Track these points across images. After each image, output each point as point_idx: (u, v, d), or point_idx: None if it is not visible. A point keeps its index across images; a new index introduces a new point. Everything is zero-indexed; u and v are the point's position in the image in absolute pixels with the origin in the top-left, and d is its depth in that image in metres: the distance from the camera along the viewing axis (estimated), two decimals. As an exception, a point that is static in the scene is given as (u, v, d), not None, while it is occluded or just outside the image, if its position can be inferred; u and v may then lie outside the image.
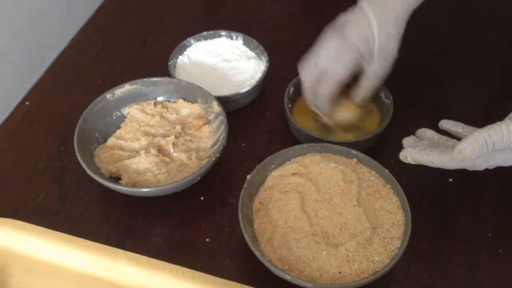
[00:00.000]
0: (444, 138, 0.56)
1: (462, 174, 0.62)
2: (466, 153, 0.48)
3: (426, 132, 0.58)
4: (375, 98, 0.66)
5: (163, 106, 0.66)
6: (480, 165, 0.51)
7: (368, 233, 0.51)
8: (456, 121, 0.57)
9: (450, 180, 0.62)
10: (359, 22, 0.58)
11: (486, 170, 0.58)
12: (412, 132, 0.60)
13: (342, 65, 0.58)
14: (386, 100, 0.65)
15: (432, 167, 0.62)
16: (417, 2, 0.58)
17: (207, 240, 0.57)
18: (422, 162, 0.53)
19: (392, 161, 0.62)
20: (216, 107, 0.63)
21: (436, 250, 0.56)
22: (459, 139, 0.52)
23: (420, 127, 0.60)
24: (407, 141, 0.58)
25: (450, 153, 0.50)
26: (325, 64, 0.59)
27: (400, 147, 0.61)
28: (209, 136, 0.63)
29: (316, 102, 0.62)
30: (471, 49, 0.78)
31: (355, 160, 0.58)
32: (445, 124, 0.58)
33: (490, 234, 0.57)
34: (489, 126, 0.49)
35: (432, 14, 0.83)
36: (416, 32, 0.80)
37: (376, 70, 0.60)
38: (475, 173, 0.62)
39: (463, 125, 0.56)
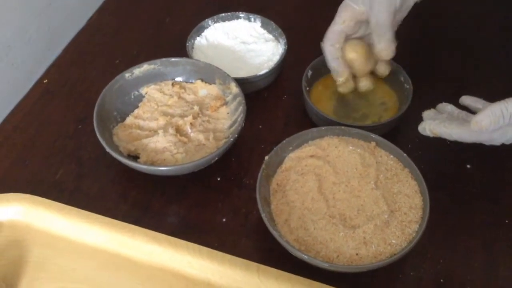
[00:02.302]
0: (464, 113, 0.56)
1: (480, 161, 0.62)
2: (482, 124, 0.49)
3: (447, 107, 0.58)
4: (394, 82, 0.66)
5: (181, 87, 0.66)
6: (497, 139, 0.52)
7: (385, 216, 0.51)
8: (476, 97, 0.57)
9: (468, 166, 0.62)
10: None
11: (504, 156, 0.58)
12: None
13: (337, 16, 0.61)
14: (405, 85, 0.65)
15: (449, 153, 0.62)
16: None
17: (224, 220, 0.58)
18: (440, 135, 0.54)
19: (409, 146, 0.62)
20: (234, 88, 0.63)
21: (453, 235, 0.56)
22: None
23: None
24: (427, 113, 0.58)
25: (468, 126, 0.51)
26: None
27: (418, 132, 0.61)
28: (227, 117, 0.64)
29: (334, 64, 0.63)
30: (491, 32, 0.77)
31: (373, 143, 0.58)
32: (465, 99, 0.58)
33: (507, 221, 0.57)
34: (506, 99, 0.49)
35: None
36: (434, 17, 0.80)
37: (376, 16, 0.59)
38: (493, 160, 0.62)
39: (483, 101, 0.56)
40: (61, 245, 0.55)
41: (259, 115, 0.67)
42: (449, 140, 0.64)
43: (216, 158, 0.59)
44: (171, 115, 0.63)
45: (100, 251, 0.54)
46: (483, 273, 0.53)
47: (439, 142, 0.64)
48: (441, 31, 0.79)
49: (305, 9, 0.82)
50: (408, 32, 0.63)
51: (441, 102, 0.67)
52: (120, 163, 0.59)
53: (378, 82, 0.66)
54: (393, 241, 0.50)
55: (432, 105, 0.66)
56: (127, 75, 0.64)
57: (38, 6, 0.72)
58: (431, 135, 0.55)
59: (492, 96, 0.56)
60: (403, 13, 0.62)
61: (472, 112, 0.56)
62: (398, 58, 0.65)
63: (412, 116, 0.64)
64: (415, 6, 0.62)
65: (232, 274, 0.51)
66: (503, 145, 0.57)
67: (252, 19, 0.74)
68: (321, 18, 0.80)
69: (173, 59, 0.66)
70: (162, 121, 0.62)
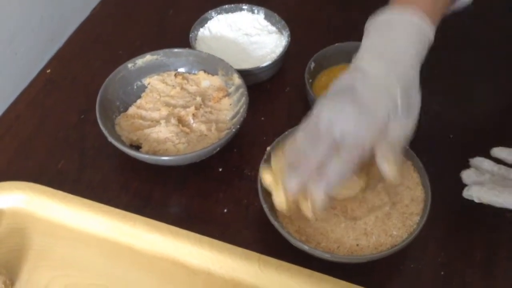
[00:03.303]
0: (503, 169, 0.54)
1: (483, 156, 0.62)
2: None
3: (483, 163, 0.55)
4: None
5: (184, 78, 0.66)
6: None
7: (387, 208, 0.52)
8: (509, 148, 0.55)
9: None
10: (373, 88, 0.45)
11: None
12: (436, 104, 0.58)
13: (364, 133, 0.44)
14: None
15: (452, 146, 0.62)
16: (424, 55, 0.49)
17: (225, 210, 0.58)
18: (490, 203, 0.52)
19: (412, 138, 0.62)
20: (236, 79, 0.63)
21: (454, 228, 0.56)
22: None
23: (442, 100, 0.58)
24: (468, 175, 0.55)
25: None
26: (345, 133, 0.44)
27: (421, 124, 0.61)
28: (229, 108, 0.64)
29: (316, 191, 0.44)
30: (491, 31, 0.77)
31: (375, 136, 0.58)
32: (499, 152, 0.56)
33: (508, 215, 0.57)
34: None
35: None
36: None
37: (405, 127, 0.47)
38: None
39: None
40: (62, 233, 0.55)
41: (262, 107, 0.67)
42: (451, 134, 0.64)
43: (218, 149, 0.59)
44: (173, 105, 0.63)
45: (102, 239, 0.54)
46: (483, 266, 0.53)
47: (442, 136, 0.64)
48: (441, 30, 0.78)
49: (309, 1, 0.82)
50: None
51: (443, 96, 0.67)
52: (122, 153, 0.59)
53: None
54: (394, 233, 0.51)
55: (434, 97, 0.66)
56: (129, 65, 0.64)
57: (42, -4, 0.73)
58: (477, 201, 0.53)
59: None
60: None
61: (508, 165, 0.55)
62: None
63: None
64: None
65: (232, 263, 0.51)
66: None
67: (256, 11, 0.74)
68: (325, 10, 0.80)
69: (176, 50, 0.66)
70: (164, 111, 0.62)
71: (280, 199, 0.48)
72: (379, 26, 0.48)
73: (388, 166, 0.44)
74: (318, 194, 0.44)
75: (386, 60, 0.46)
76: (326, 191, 0.44)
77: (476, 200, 0.53)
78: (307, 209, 0.46)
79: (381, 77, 0.45)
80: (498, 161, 0.56)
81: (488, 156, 0.57)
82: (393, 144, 0.45)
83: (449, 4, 0.53)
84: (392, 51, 0.47)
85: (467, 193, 0.53)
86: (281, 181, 0.47)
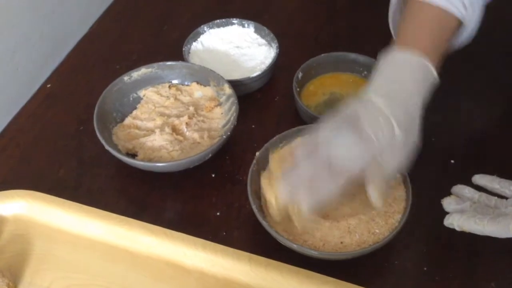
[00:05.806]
0: (484, 196, 0.56)
1: (463, 158, 0.64)
2: None
3: (464, 191, 0.57)
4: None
5: (177, 89, 0.69)
6: None
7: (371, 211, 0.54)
8: (490, 176, 0.57)
9: (452, 161, 0.64)
10: (375, 118, 0.49)
11: (488, 154, 0.61)
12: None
13: (357, 158, 0.48)
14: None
15: (434, 147, 0.64)
16: (428, 94, 0.52)
17: (218, 213, 0.60)
18: (470, 231, 0.53)
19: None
20: (227, 89, 0.66)
21: (436, 225, 0.58)
22: (498, 195, 0.55)
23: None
24: (448, 203, 0.56)
25: (502, 222, 0.50)
26: (339, 154, 0.48)
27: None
28: (221, 117, 0.67)
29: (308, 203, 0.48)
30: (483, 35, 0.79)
31: (359, 140, 0.60)
32: (480, 180, 0.57)
33: (489, 213, 0.59)
34: None
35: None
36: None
37: (393, 166, 0.49)
38: (477, 156, 0.64)
39: (499, 179, 0.56)
40: (62, 238, 0.57)
41: (252, 115, 0.70)
42: (433, 137, 0.66)
43: (210, 155, 0.61)
44: (167, 115, 0.66)
45: (100, 243, 0.57)
46: (464, 261, 0.56)
47: (424, 137, 0.66)
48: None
49: (296, 15, 0.86)
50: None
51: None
52: (119, 161, 0.62)
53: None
54: (377, 231, 0.53)
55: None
56: (125, 78, 0.68)
57: (42, 14, 0.76)
58: (458, 229, 0.53)
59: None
60: None
61: (489, 192, 0.56)
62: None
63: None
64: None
65: (224, 263, 0.54)
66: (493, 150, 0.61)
67: (246, 25, 0.78)
68: (312, 24, 0.84)
69: (169, 62, 0.69)
70: (159, 121, 0.65)
71: (271, 205, 0.51)
72: (389, 63, 0.52)
73: (375, 193, 0.48)
74: (304, 206, 0.47)
75: (392, 95, 0.50)
76: (311, 205, 0.47)
77: (457, 229, 0.54)
78: (295, 219, 0.49)
79: (384, 111, 0.49)
80: (480, 188, 0.57)
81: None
82: (383, 174, 0.49)
83: (450, 45, 0.56)
84: (398, 87, 0.51)
85: (448, 222, 0.54)
86: (274, 188, 0.50)
